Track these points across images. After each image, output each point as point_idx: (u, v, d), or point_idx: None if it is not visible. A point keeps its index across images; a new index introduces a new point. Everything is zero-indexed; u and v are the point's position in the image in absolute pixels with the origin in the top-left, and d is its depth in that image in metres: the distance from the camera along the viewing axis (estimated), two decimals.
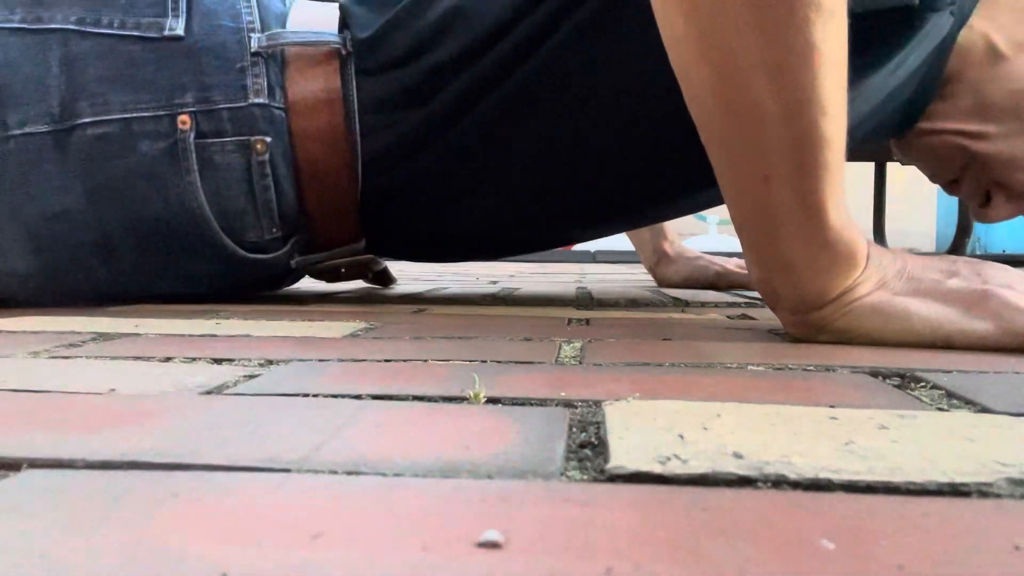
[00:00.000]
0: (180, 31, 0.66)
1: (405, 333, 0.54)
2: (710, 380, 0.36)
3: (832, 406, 0.31)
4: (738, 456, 0.23)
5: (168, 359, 0.42)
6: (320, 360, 0.42)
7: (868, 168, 3.07)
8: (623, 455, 0.23)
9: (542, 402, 0.31)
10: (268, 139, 0.67)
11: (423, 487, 0.21)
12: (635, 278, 1.45)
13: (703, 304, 0.82)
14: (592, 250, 2.72)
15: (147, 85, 0.66)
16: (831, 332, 0.49)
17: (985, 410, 0.31)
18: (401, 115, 0.68)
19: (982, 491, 0.21)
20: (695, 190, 0.71)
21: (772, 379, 0.37)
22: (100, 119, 0.65)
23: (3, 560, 0.16)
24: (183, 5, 0.66)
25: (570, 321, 0.63)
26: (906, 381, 0.37)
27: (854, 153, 0.59)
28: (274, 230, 0.70)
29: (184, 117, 0.65)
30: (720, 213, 4.67)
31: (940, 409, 0.31)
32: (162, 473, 0.22)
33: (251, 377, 0.37)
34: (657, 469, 0.22)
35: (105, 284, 0.71)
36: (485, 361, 0.41)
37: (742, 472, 0.22)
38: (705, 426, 0.27)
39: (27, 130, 0.65)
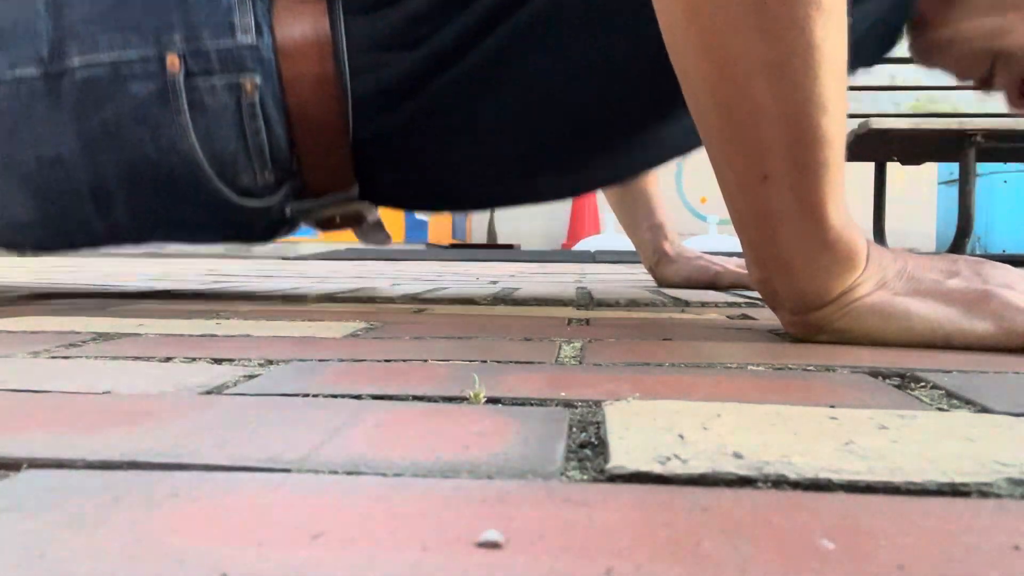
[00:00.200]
0: None
1: (405, 333, 0.54)
2: (710, 380, 0.36)
3: (832, 406, 0.31)
4: (738, 456, 0.23)
5: (168, 359, 0.42)
6: (320, 360, 0.42)
7: (868, 168, 3.07)
8: (623, 455, 0.23)
9: (542, 402, 0.31)
10: (257, 79, 0.67)
11: (423, 487, 0.21)
12: (635, 278, 1.45)
13: (703, 304, 0.82)
14: (592, 250, 2.72)
15: (134, 25, 0.66)
16: (831, 332, 0.49)
17: (985, 410, 0.31)
18: (391, 56, 0.68)
19: (982, 491, 0.21)
20: (672, 122, 0.71)
21: (772, 379, 0.37)
22: (89, 62, 0.66)
23: (3, 560, 0.16)
24: None
25: (570, 321, 0.63)
26: (906, 381, 0.37)
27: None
28: (267, 174, 0.70)
29: (173, 58, 0.65)
30: (720, 213, 4.68)
31: (940, 409, 0.31)
32: (162, 473, 0.22)
33: (251, 377, 0.37)
34: (657, 469, 0.22)
35: (103, 232, 0.72)
36: (485, 361, 0.41)
37: (742, 472, 0.22)
38: (705, 426, 0.27)
39: (17, 73, 0.66)
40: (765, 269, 0.49)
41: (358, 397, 0.32)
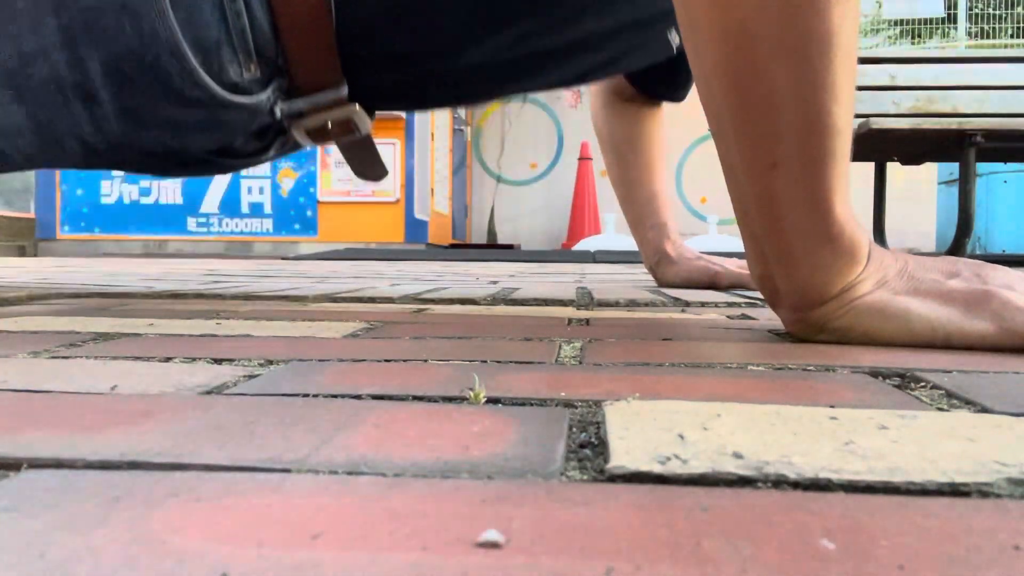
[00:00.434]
0: None
1: (405, 333, 0.54)
2: (710, 380, 0.36)
3: (832, 406, 0.31)
4: (738, 456, 0.23)
5: (168, 359, 0.42)
6: (320, 360, 0.42)
7: (868, 168, 3.07)
8: (623, 455, 0.23)
9: (542, 402, 0.31)
10: None
11: (423, 487, 0.21)
12: (635, 278, 1.45)
13: (703, 304, 0.82)
14: (592, 250, 2.72)
15: None
16: (831, 331, 0.49)
17: (985, 410, 0.31)
18: None
19: (982, 491, 0.21)
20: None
21: (772, 379, 0.37)
22: None
23: (3, 560, 0.16)
24: None
25: (570, 321, 0.63)
26: (906, 381, 0.37)
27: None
28: (252, 67, 0.70)
29: None
30: (720, 213, 4.68)
31: (940, 409, 0.31)
32: (162, 473, 0.22)
33: (251, 377, 0.37)
34: (657, 469, 0.22)
35: (92, 136, 0.71)
36: (485, 361, 0.41)
37: (742, 472, 0.22)
38: (705, 426, 0.27)
39: None
40: (767, 263, 0.49)
41: (358, 397, 0.32)
